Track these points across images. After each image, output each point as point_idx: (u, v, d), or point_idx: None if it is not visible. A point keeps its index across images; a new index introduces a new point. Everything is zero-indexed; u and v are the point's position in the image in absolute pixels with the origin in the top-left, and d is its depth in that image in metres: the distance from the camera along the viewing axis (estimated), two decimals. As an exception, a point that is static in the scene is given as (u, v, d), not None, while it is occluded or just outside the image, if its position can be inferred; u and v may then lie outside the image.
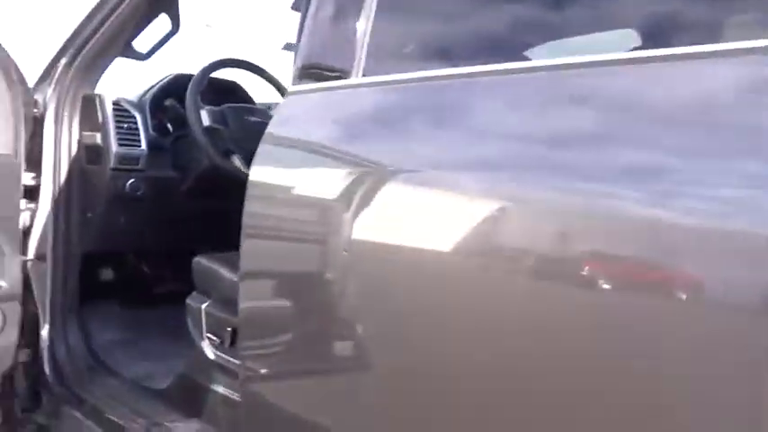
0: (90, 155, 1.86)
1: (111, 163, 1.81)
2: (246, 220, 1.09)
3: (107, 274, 2.14)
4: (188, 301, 1.64)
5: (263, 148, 1.10)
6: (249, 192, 1.08)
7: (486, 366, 0.80)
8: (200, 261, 1.63)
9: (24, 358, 1.82)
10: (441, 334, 0.85)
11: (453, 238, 0.81)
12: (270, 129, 1.10)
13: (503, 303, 0.77)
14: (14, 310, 1.70)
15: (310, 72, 1.07)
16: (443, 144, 0.90)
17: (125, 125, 1.84)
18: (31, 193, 1.80)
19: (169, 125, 2.04)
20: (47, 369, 1.85)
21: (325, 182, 0.99)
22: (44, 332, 1.85)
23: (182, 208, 2.02)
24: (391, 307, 0.87)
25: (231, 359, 1.54)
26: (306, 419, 1.02)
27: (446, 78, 0.94)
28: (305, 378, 1.04)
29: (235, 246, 2.27)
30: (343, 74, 1.00)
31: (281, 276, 1.07)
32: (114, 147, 1.81)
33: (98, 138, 1.82)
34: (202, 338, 1.59)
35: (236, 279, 1.53)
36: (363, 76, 0.99)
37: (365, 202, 0.91)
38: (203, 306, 1.58)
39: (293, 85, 1.09)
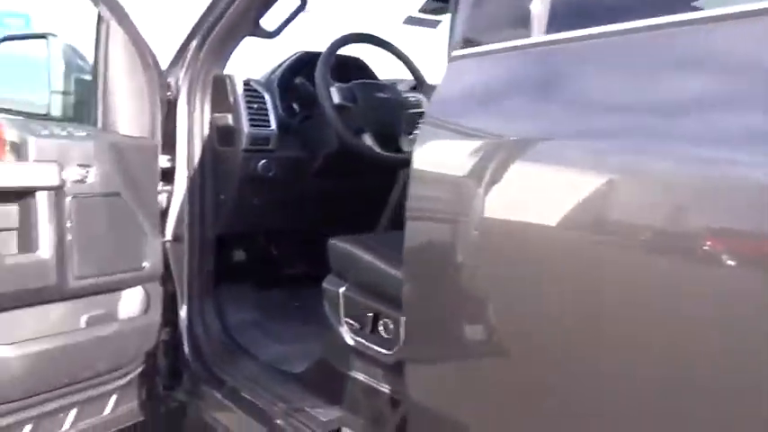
0: (222, 136, 1.85)
1: (243, 144, 1.79)
2: (412, 203, 0.99)
3: (239, 255, 2.15)
4: (324, 284, 1.58)
5: (427, 123, 0.99)
6: (414, 172, 0.98)
7: (675, 358, 0.67)
8: (337, 243, 1.57)
9: (165, 337, 1.85)
10: (644, 331, 0.72)
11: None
12: (434, 102, 0.99)
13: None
14: (157, 291, 1.72)
15: (478, 33, 0.95)
16: (647, 108, 0.75)
17: (255, 105, 1.80)
18: (167, 176, 1.82)
19: (295, 105, 1.99)
20: (186, 347, 1.87)
21: (506, 157, 0.87)
22: (182, 312, 1.88)
23: (311, 188, 1.97)
24: (593, 300, 0.74)
25: (372, 345, 1.47)
26: (482, 418, 0.92)
27: (646, 30, 0.79)
28: (480, 373, 0.94)
29: (367, 227, 2.22)
30: (521, 33, 0.88)
31: (453, 264, 0.97)
32: (246, 127, 1.78)
33: (230, 119, 1.81)
34: (340, 323, 1.53)
35: (375, 262, 1.46)
36: (547, 33, 0.86)
37: (557, 180, 0.79)
38: (341, 290, 1.52)
39: (456, 51, 0.97)
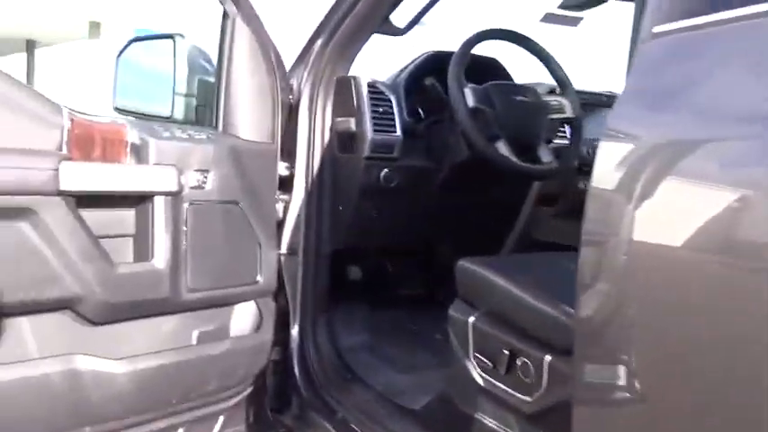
0: (343, 142, 1.72)
1: (366, 151, 1.65)
2: (589, 226, 0.78)
3: (354, 272, 2.01)
4: (451, 311, 1.40)
5: (612, 129, 0.78)
6: (594, 191, 0.77)
7: None
8: (467, 266, 1.38)
9: (275, 356, 1.74)
10: None
11: None
12: (623, 100, 0.78)
13: None
14: (269, 307, 1.61)
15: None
16: None
17: (380, 109, 1.66)
18: (285, 184, 1.71)
19: (420, 110, 1.83)
20: (296, 369, 1.75)
21: (732, 176, 0.65)
22: (294, 330, 1.76)
23: (434, 202, 1.80)
24: None
25: (506, 388, 1.27)
26: None
27: None
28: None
29: (492, 246, 2.03)
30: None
31: (642, 302, 0.75)
32: (369, 133, 1.64)
33: (352, 123, 1.67)
34: (468, 357, 1.33)
35: (515, 291, 1.26)
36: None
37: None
38: (470, 319, 1.33)
39: (660, 25, 0.75)
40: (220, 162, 1.45)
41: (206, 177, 1.43)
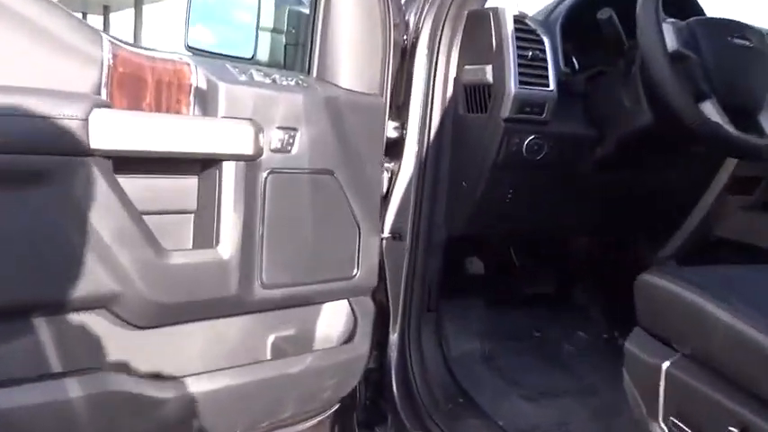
0: (473, 98, 1.30)
1: (507, 110, 1.22)
2: None
3: (473, 265, 1.61)
4: (628, 345, 0.98)
5: None
6: None
7: None
8: (656, 283, 0.95)
9: (370, 363, 1.38)
10: None
11: None
12: None
13: None
14: (367, 309, 1.25)
15: None
16: None
17: (528, 53, 1.22)
18: (392, 149, 1.32)
19: (574, 59, 1.37)
20: (393, 382, 1.39)
21: None
22: (394, 334, 1.40)
23: (589, 182, 1.36)
24: None
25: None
26: None
27: None
28: None
29: (656, 243, 1.57)
30: None
31: None
32: (513, 86, 1.21)
33: (487, 73, 1.25)
34: (657, 420, 0.91)
35: (752, 333, 0.82)
36: None
37: None
38: (665, 365, 0.90)
39: None
40: (313, 118, 1.09)
41: (293, 138, 1.07)
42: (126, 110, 0.91)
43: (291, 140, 1.07)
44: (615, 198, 1.35)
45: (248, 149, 1.00)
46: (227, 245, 1.00)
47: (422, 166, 1.34)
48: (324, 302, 1.19)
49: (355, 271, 1.20)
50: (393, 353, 1.39)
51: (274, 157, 1.05)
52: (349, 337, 1.21)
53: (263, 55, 1.29)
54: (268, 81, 1.06)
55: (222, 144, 0.98)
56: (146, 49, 1.00)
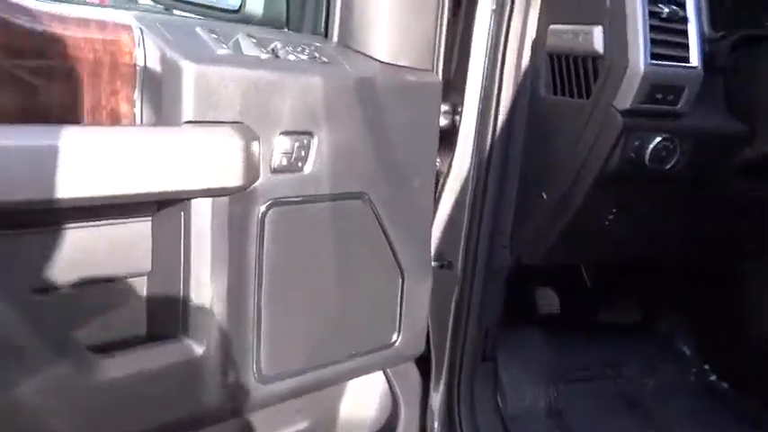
0: (563, 74, 0.88)
1: (628, 97, 0.80)
2: None
3: (545, 297, 1.22)
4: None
5: None
6: None
7: None
8: None
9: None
10: None
11: None
12: None
13: None
14: (411, 379, 0.89)
15: None
16: None
17: (663, 10, 0.79)
18: (440, 143, 0.92)
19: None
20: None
21: None
22: (438, 391, 1.03)
23: (729, 195, 0.95)
24: None
25: None
26: None
27: None
28: None
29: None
30: None
31: None
32: (642, 59, 0.78)
33: (593, 37, 0.82)
34: None
35: None
36: None
37: None
38: None
39: None
40: (337, 114, 0.69)
41: (306, 148, 0.67)
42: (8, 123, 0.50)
43: (304, 153, 0.67)
44: (755, 216, 0.96)
45: (233, 178, 0.60)
46: (201, 329, 0.62)
47: (482, 167, 0.94)
48: (347, 380, 0.82)
49: (396, 336, 0.82)
50: (435, 421, 1.02)
51: (277, 182, 0.65)
52: (387, 424, 0.84)
53: (256, 6, 0.86)
54: (265, 55, 0.65)
55: (189, 174, 0.58)
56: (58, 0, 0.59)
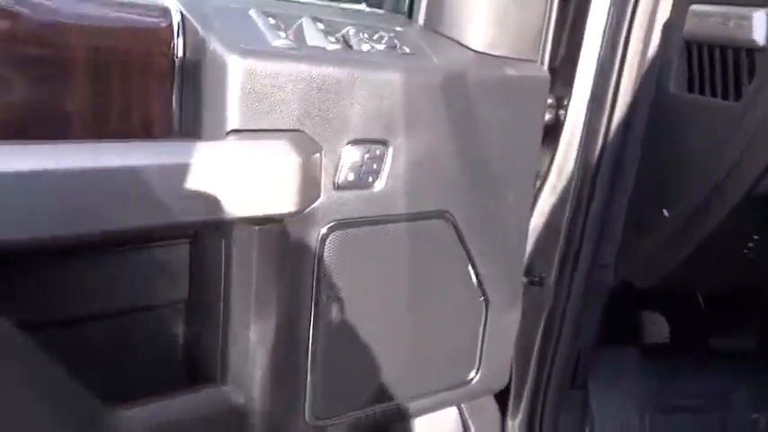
0: (704, 67, 0.71)
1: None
2: None
3: (657, 326, 1.06)
4: None
5: None
6: None
7: None
8: None
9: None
10: None
11: None
12: None
13: None
14: (490, 416, 0.77)
15: None
16: None
17: None
18: (542, 139, 0.77)
19: None
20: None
21: None
22: (515, 421, 0.91)
23: None
24: None
25: None
26: None
27: None
28: None
29: None
30: None
31: None
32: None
33: (752, 23, 0.65)
34: None
35: None
36: None
37: None
38: None
39: None
40: (418, 116, 0.56)
41: (379, 160, 0.55)
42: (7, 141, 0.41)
43: (376, 165, 0.55)
44: None
45: (286, 203, 0.49)
46: (242, 375, 0.52)
47: (588, 170, 0.79)
48: (414, 418, 0.71)
49: (474, 373, 0.70)
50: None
51: (342, 201, 0.54)
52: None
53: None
54: (333, 45, 0.53)
55: (231, 200, 0.47)
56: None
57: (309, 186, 0.50)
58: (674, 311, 1.07)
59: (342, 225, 0.55)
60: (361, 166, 0.54)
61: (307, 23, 0.54)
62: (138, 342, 0.53)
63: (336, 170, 0.53)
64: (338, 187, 0.54)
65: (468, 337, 0.69)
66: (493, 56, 0.64)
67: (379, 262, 0.59)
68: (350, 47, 0.55)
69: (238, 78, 0.47)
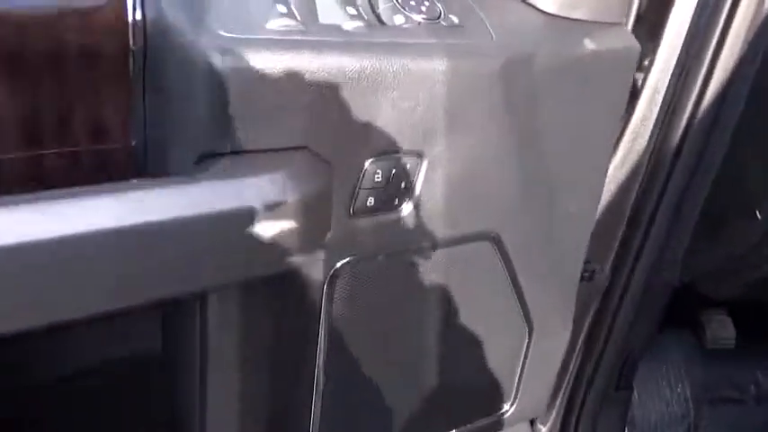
0: None
1: None
2: None
3: (725, 329, 0.92)
4: None
5: None
6: None
7: None
8: None
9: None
10: None
11: None
12: None
13: None
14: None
15: None
16: None
17: None
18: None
19: None
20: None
21: None
22: (544, 427, 0.82)
23: None
24: None
25: None
26: None
27: None
28: None
29: None
30: None
31: None
32: None
33: None
34: None
35: None
36: None
37: None
38: None
39: None
40: (463, 115, 0.42)
41: (412, 173, 0.41)
42: None
43: (405, 183, 0.41)
44: None
45: (278, 254, 0.36)
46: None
47: (666, 151, 0.64)
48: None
49: (508, 405, 0.59)
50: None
51: (359, 231, 0.41)
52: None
53: None
54: (352, 23, 0.38)
55: (204, 263, 0.34)
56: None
57: (314, 225, 0.37)
58: (743, 315, 0.94)
59: (358, 260, 0.42)
60: (387, 185, 0.41)
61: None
62: (116, 403, 0.42)
63: (353, 193, 0.40)
64: (355, 214, 0.41)
65: (505, 368, 0.57)
66: (570, 20, 0.48)
67: (403, 295, 0.47)
68: (378, 20, 0.40)
69: (214, 80, 0.33)
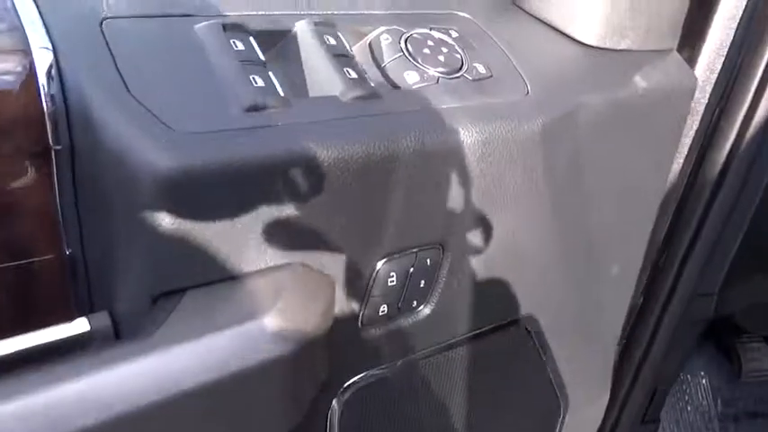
0: None
1: None
2: None
3: (761, 360, 0.85)
4: None
5: None
6: None
7: None
8: None
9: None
10: None
11: None
12: None
13: None
14: None
15: None
16: None
17: None
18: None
19: None
20: None
21: None
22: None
23: None
24: None
25: None
26: None
27: None
28: None
29: None
30: None
31: None
32: None
33: None
34: None
35: None
36: None
37: None
38: None
39: None
40: (495, 193, 0.33)
41: (432, 269, 0.33)
42: None
43: (425, 282, 0.33)
44: None
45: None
46: None
47: (706, 175, 0.56)
48: None
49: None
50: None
51: (369, 344, 0.32)
52: None
53: None
54: (353, 91, 0.28)
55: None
56: None
57: (309, 364, 0.29)
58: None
59: (369, 376, 0.34)
60: (403, 287, 0.32)
61: (306, 41, 0.29)
62: None
63: (363, 301, 0.31)
64: (365, 325, 0.32)
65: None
66: (616, 51, 0.38)
67: (424, 400, 0.39)
68: (386, 79, 0.31)
69: (163, 192, 0.24)
